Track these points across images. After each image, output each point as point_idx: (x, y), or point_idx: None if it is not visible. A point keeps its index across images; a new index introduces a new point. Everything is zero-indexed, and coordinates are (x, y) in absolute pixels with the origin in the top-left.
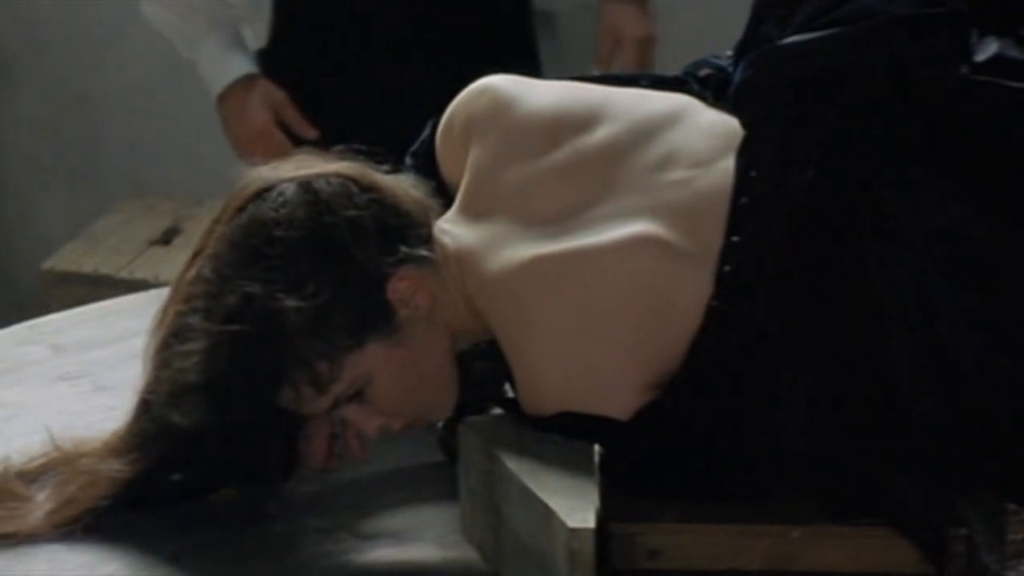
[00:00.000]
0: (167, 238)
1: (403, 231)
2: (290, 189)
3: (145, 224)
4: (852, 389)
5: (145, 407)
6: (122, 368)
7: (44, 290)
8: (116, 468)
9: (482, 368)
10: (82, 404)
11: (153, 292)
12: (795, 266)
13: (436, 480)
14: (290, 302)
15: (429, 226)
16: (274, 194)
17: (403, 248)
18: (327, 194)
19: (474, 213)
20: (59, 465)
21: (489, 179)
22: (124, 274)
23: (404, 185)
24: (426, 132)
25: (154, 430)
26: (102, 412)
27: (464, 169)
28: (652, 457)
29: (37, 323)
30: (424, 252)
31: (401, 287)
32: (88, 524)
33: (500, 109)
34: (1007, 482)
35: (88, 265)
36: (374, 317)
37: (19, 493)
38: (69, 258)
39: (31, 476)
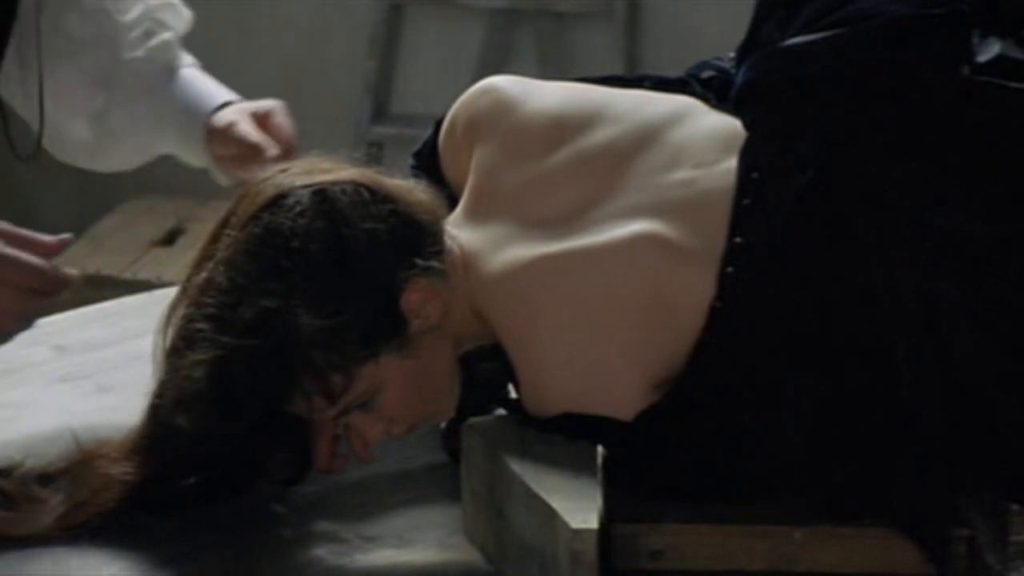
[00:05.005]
0: (170, 239)
1: (416, 242)
2: (306, 197)
3: (148, 225)
4: (854, 389)
5: (154, 411)
6: (125, 369)
7: None
8: (127, 471)
9: (485, 369)
10: (85, 405)
11: (157, 293)
12: (797, 267)
13: (439, 481)
14: (306, 317)
15: (440, 234)
16: (290, 202)
17: (417, 261)
18: (343, 204)
19: (478, 215)
20: (79, 468)
21: (493, 180)
22: (127, 275)
23: (415, 191)
24: (428, 133)
25: (162, 434)
26: (105, 413)
27: (467, 170)
28: (655, 458)
29: (40, 324)
30: (436, 264)
31: (414, 299)
32: (97, 526)
33: (503, 110)
34: (1009, 482)
35: (91, 266)
36: (388, 330)
37: (36, 496)
38: (72, 259)
39: (50, 479)
